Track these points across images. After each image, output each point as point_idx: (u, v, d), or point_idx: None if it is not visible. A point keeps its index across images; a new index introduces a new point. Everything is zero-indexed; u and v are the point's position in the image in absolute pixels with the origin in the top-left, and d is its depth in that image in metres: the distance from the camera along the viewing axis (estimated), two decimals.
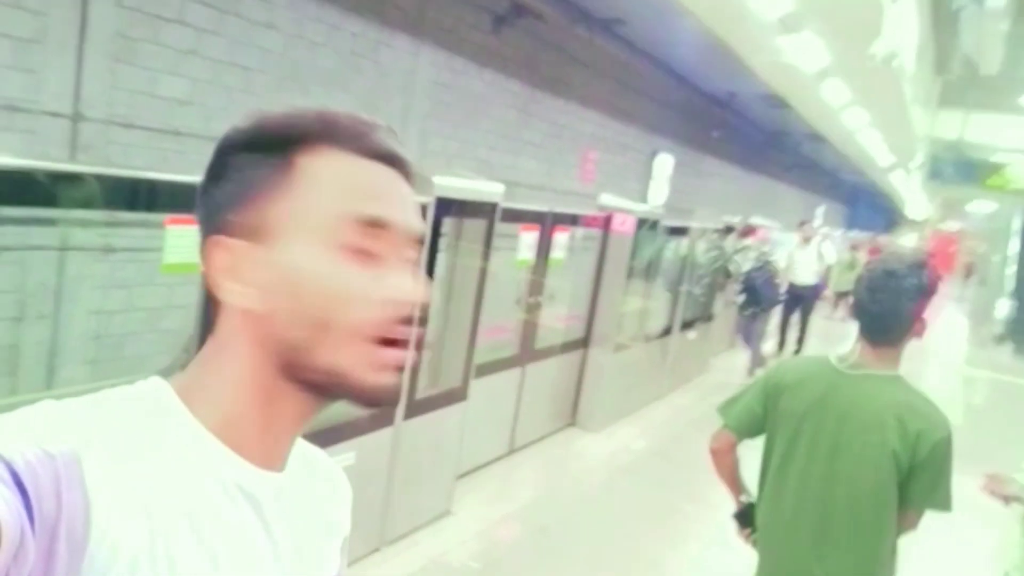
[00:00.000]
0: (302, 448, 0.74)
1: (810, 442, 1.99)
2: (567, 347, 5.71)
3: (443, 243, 3.77)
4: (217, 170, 0.67)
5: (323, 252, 0.63)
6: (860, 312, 2.04)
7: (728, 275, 8.72)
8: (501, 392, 4.89)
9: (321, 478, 0.79)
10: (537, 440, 5.55)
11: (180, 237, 2.40)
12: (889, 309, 1.86)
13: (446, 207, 3.58)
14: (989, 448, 6.97)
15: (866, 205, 31.34)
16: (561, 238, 5.07)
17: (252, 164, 0.66)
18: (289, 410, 0.67)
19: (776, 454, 2.07)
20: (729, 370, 8.70)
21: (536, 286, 5.00)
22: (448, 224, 3.77)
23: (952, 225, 35.13)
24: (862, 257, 16.13)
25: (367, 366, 0.63)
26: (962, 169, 13.91)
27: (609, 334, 5.90)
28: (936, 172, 13.95)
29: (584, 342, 5.89)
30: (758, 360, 8.50)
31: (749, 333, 8.67)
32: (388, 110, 6.11)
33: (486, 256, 4.02)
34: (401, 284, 0.64)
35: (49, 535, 0.53)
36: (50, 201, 2.23)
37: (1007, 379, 11.83)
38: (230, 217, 0.65)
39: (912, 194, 27.34)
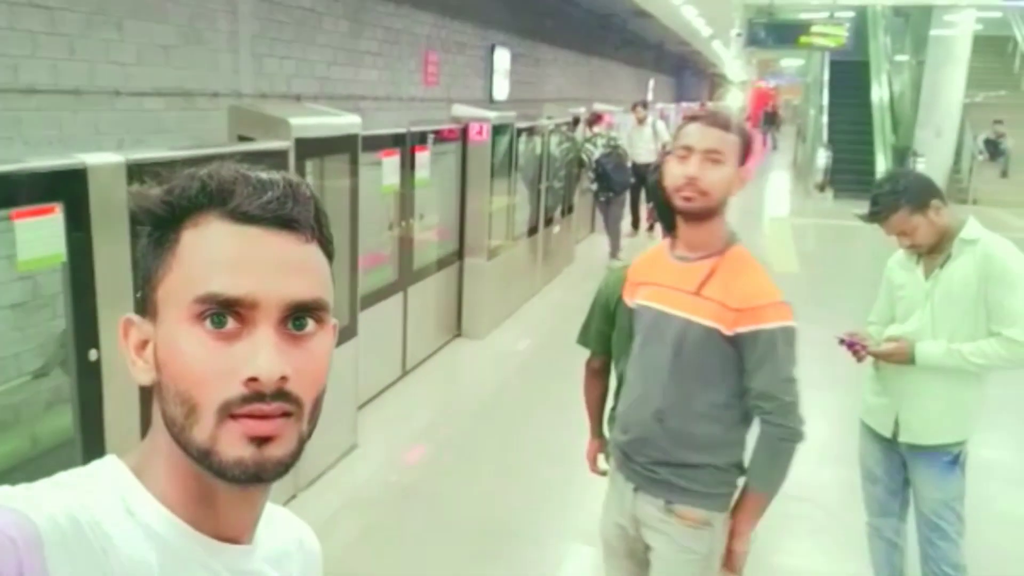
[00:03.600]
0: (269, 514, 0.75)
1: None
2: (443, 262, 5.75)
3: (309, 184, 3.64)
4: (137, 251, 0.69)
5: (183, 329, 0.63)
6: (661, 210, 2.21)
7: (582, 164, 8.95)
8: (387, 319, 4.91)
9: (294, 545, 0.80)
10: (428, 357, 5.65)
11: (31, 230, 2.19)
12: None
13: (306, 148, 3.44)
14: (826, 288, 7.81)
15: (692, 74, 32.58)
16: (422, 157, 5.00)
17: (148, 246, 0.67)
18: (218, 485, 0.65)
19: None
20: (591, 255, 9.08)
21: (406, 209, 4.95)
22: (311, 165, 3.63)
23: (770, 82, 37.38)
24: None
25: (228, 441, 0.62)
26: (774, 32, 14.66)
27: (481, 243, 5.98)
28: (753, 37, 14.64)
29: (458, 254, 5.96)
30: (618, 243, 8.92)
31: (606, 218, 9.04)
32: (214, 38, 5.64)
33: (354, 190, 3.93)
34: (251, 360, 0.61)
35: None
36: None
37: (831, 223, 13.07)
38: (139, 295, 0.67)
39: (732, 60, 28.69)
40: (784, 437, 1.82)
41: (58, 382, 2.68)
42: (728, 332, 1.81)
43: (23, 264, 2.17)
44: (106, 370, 2.41)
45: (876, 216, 2.58)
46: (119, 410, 2.48)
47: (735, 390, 1.86)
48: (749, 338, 1.80)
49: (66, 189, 2.27)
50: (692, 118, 1.86)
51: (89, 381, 2.39)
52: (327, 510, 3.63)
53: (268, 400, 0.62)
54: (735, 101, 34.59)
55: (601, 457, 2.49)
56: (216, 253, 0.63)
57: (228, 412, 0.62)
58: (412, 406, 4.98)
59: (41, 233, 2.19)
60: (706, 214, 1.84)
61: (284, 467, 0.64)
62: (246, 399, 0.61)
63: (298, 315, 0.65)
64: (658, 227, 10.83)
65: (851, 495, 3.75)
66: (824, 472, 3.91)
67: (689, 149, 1.80)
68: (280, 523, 0.79)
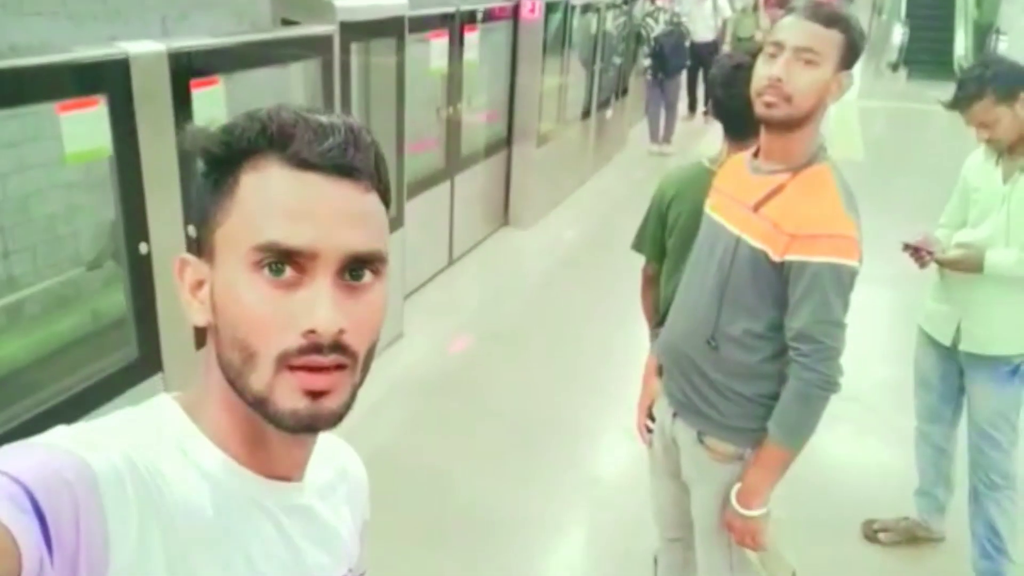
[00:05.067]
0: (319, 444, 0.76)
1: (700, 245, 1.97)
2: (491, 149, 5.62)
3: (355, 68, 3.52)
4: (192, 189, 0.69)
5: (242, 276, 0.62)
6: (719, 111, 2.07)
7: (640, 41, 8.50)
8: (434, 208, 4.86)
9: (338, 475, 0.82)
10: (474, 246, 5.64)
11: (76, 123, 2.16)
12: (746, 103, 1.70)
13: (351, 31, 3.29)
14: (894, 180, 7.44)
15: None
16: (471, 38, 4.78)
17: (206, 186, 0.66)
18: (270, 429, 0.66)
19: (680, 266, 2.08)
20: (644, 140, 8.78)
21: (453, 92, 4.79)
22: (356, 48, 3.49)
23: None
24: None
25: (284, 392, 0.62)
26: None
27: (530, 129, 5.81)
28: None
29: (507, 141, 5.81)
30: (657, 129, 8.57)
31: (649, 100, 8.66)
32: None
33: (400, 74, 3.79)
34: (310, 312, 0.61)
35: (70, 565, 0.53)
36: None
37: (902, 105, 12.35)
38: (196, 235, 0.68)
39: None
40: (820, 385, 1.64)
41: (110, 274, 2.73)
42: (776, 258, 1.64)
43: (70, 157, 2.16)
44: (157, 263, 2.43)
45: (959, 102, 2.40)
46: (171, 302, 2.53)
47: (774, 322, 1.70)
48: (796, 268, 1.62)
49: (109, 81, 2.22)
50: (790, 8, 1.64)
51: (140, 274, 2.42)
52: (374, 396, 3.72)
53: (325, 352, 0.62)
54: None
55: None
56: (276, 200, 0.62)
57: (285, 362, 0.62)
58: (458, 295, 5.01)
59: (86, 126, 2.16)
60: (790, 123, 1.62)
61: (338, 418, 0.65)
62: (303, 350, 0.62)
63: (356, 266, 0.64)
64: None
65: (899, 396, 3.72)
66: (874, 372, 3.86)
67: (779, 46, 1.59)
68: (327, 453, 0.80)
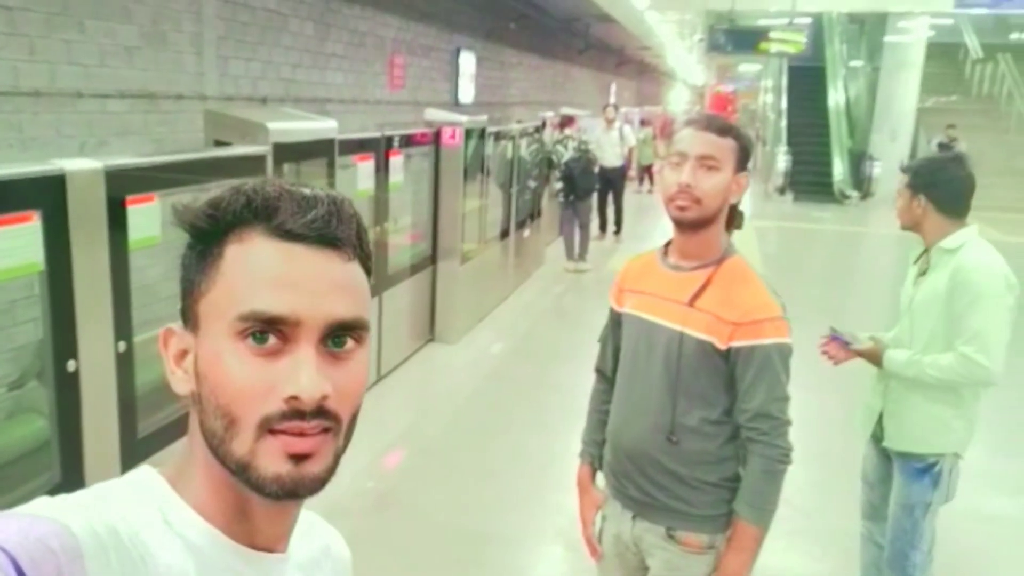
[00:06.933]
0: (303, 521, 0.76)
1: None
2: (416, 267, 5.72)
3: None
4: (181, 260, 0.70)
5: (226, 345, 0.63)
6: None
7: (551, 165, 8.98)
8: None
9: (322, 552, 0.81)
10: (402, 363, 5.61)
11: (8, 239, 2.12)
12: None
13: (284, 152, 3.39)
14: (792, 290, 7.93)
15: (649, 80, 32.91)
16: (396, 161, 4.97)
17: (191, 258, 0.67)
18: (254, 497, 0.65)
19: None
20: (561, 258, 9.12)
21: (380, 213, 4.91)
22: (288, 169, 3.58)
23: (727, 86, 37.92)
24: (654, 131, 17.22)
25: (266, 457, 0.62)
26: (735, 38, 14.93)
27: (454, 247, 5.96)
28: (714, 43, 14.88)
29: (432, 258, 5.93)
30: (572, 247, 8.94)
31: (563, 221, 9.08)
32: (178, 39, 5.54)
33: None
34: (293, 378, 0.62)
35: None
36: None
37: (791, 224, 13.32)
38: (181, 306, 0.68)
39: (693, 64, 29.06)
40: (780, 459, 1.74)
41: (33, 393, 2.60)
42: (722, 346, 1.73)
43: (1, 273, 2.10)
44: (85, 381, 2.34)
45: (904, 167, 2.68)
46: (98, 421, 2.42)
47: (727, 407, 1.78)
48: (745, 353, 1.72)
49: (44, 196, 2.21)
50: (687, 123, 1.81)
51: (67, 392, 2.32)
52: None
53: (308, 418, 0.62)
54: (678, 102, 34.25)
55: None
56: (260, 270, 0.63)
57: (268, 427, 0.62)
58: (388, 412, 4.94)
59: (19, 241, 2.12)
60: (701, 223, 1.76)
61: (321, 483, 0.65)
62: (286, 415, 0.62)
63: (338, 334, 0.65)
64: (624, 230, 10.89)
65: (826, 497, 3.83)
66: (800, 474, 3.96)
67: (683, 155, 1.74)
68: (310, 529, 0.80)
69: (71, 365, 2.31)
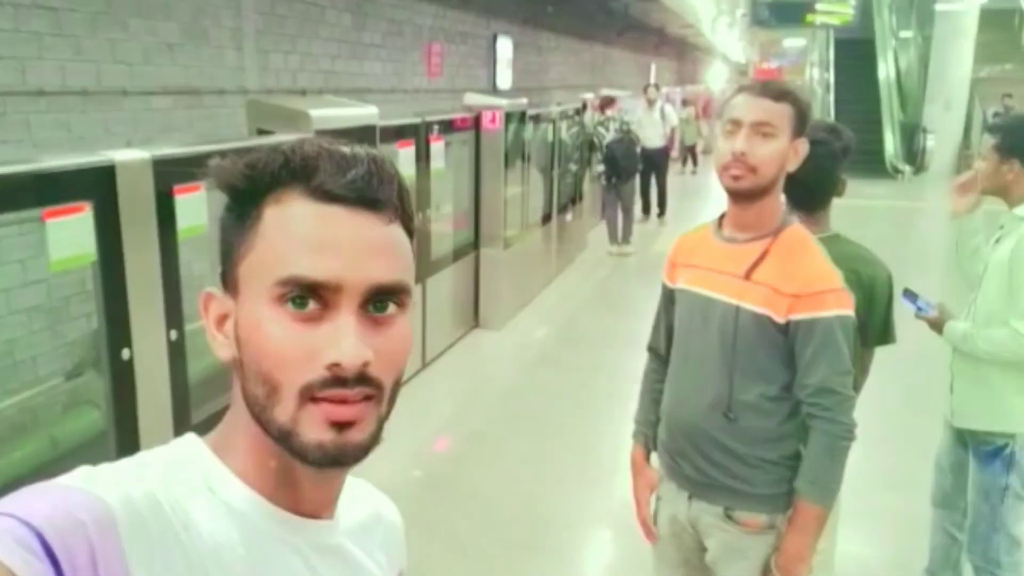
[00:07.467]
0: (349, 487, 0.74)
1: None
2: (459, 253, 5.72)
3: None
4: (220, 222, 0.68)
5: (265, 310, 0.61)
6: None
7: (592, 148, 8.88)
8: None
9: (372, 518, 0.79)
10: (446, 349, 5.62)
11: (61, 230, 2.16)
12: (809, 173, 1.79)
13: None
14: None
15: (690, 60, 32.35)
16: (437, 147, 4.96)
17: (229, 220, 0.66)
18: (298, 464, 0.64)
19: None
20: (603, 242, 9.03)
21: (421, 199, 4.91)
22: None
23: (772, 63, 37.07)
24: (697, 110, 16.94)
25: (309, 424, 0.61)
26: (779, 11, 14.60)
27: (496, 232, 5.95)
28: (757, 17, 14.56)
29: (475, 244, 5.92)
30: (615, 231, 8.84)
31: (605, 204, 8.97)
32: (218, 34, 5.60)
33: None
34: (334, 345, 0.60)
35: None
36: None
37: (844, 202, 12.94)
38: (220, 270, 0.67)
39: (736, 41, 28.48)
40: (845, 436, 1.68)
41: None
42: (780, 319, 1.67)
43: (55, 264, 2.14)
44: (139, 369, 2.38)
45: (991, 127, 2.50)
46: (152, 409, 2.46)
47: (786, 382, 1.72)
48: (805, 326, 1.66)
49: (95, 187, 2.24)
50: (739, 89, 1.74)
51: (122, 380, 2.36)
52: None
53: (350, 385, 0.61)
54: (717, 80, 33.43)
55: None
56: (299, 234, 0.62)
57: (310, 395, 0.61)
58: (434, 399, 4.95)
59: (71, 232, 2.16)
60: (757, 192, 1.69)
61: (364, 451, 0.63)
62: (328, 383, 0.60)
63: (380, 298, 0.63)
64: (668, 212, 10.73)
65: (880, 478, 3.71)
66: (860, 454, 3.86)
67: (737, 123, 1.67)
68: (360, 496, 0.79)
69: (125, 354, 2.34)
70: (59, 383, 2.83)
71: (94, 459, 0.63)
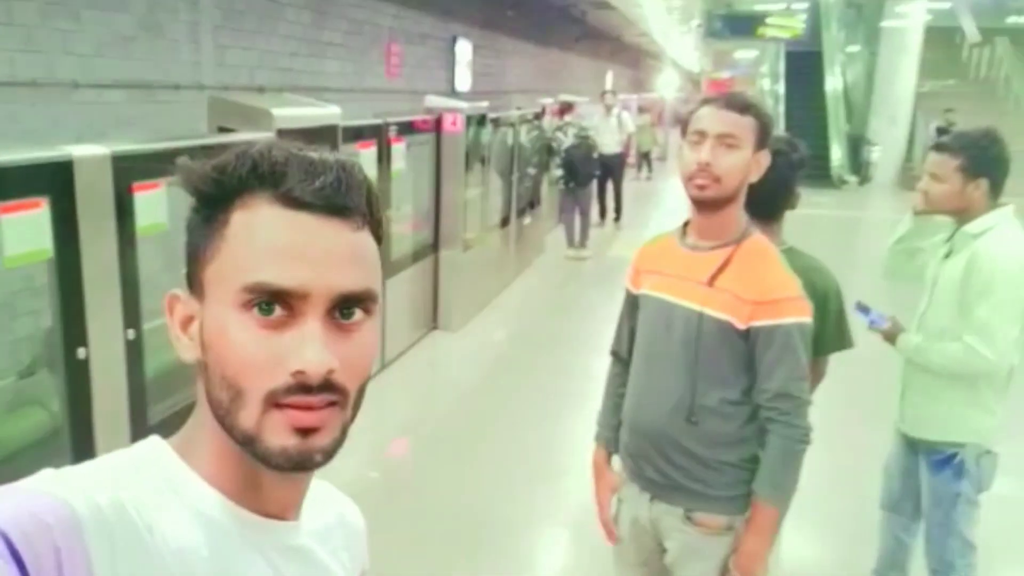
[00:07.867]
0: (315, 490, 0.75)
1: None
2: (419, 254, 5.71)
3: None
4: (186, 223, 0.67)
5: (231, 315, 0.61)
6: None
7: (551, 152, 8.94)
8: None
9: (336, 520, 0.81)
10: (405, 351, 5.61)
11: (17, 225, 2.10)
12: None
13: (288, 138, 3.37)
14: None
15: (646, 67, 32.79)
16: (398, 148, 4.95)
17: (196, 222, 0.65)
18: (262, 468, 0.64)
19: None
20: (561, 246, 9.10)
21: (383, 201, 4.89)
22: None
23: (724, 73, 37.74)
24: (652, 118, 17.19)
25: (273, 430, 0.61)
26: (732, 23, 14.92)
27: (456, 235, 5.95)
28: (711, 29, 14.86)
29: (434, 246, 5.92)
30: (572, 234, 8.93)
31: (563, 208, 9.06)
32: (175, 28, 5.49)
33: None
34: (299, 352, 0.60)
35: None
36: None
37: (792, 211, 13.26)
38: (186, 271, 0.66)
39: (690, 51, 28.98)
40: (800, 439, 1.73)
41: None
42: (741, 326, 1.72)
43: (10, 260, 2.09)
44: (95, 368, 2.33)
45: (938, 145, 2.42)
46: (108, 410, 2.41)
47: (746, 387, 1.77)
48: (765, 333, 1.70)
49: (52, 183, 2.19)
50: (705, 101, 1.78)
51: (77, 380, 2.31)
52: None
53: (315, 392, 0.61)
54: (667, 87, 33.61)
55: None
56: (267, 240, 0.61)
57: (274, 401, 0.61)
58: (393, 400, 4.93)
59: (27, 228, 2.10)
60: (721, 202, 1.73)
61: (328, 455, 0.63)
62: (292, 390, 0.60)
63: (347, 305, 0.63)
64: (624, 217, 10.84)
65: (829, 481, 3.82)
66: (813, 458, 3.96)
67: (702, 134, 1.71)
68: (323, 498, 0.79)
69: (81, 352, 2.29)
70: (10, 382, 2.75)
71: (42, 461, 0.62)
